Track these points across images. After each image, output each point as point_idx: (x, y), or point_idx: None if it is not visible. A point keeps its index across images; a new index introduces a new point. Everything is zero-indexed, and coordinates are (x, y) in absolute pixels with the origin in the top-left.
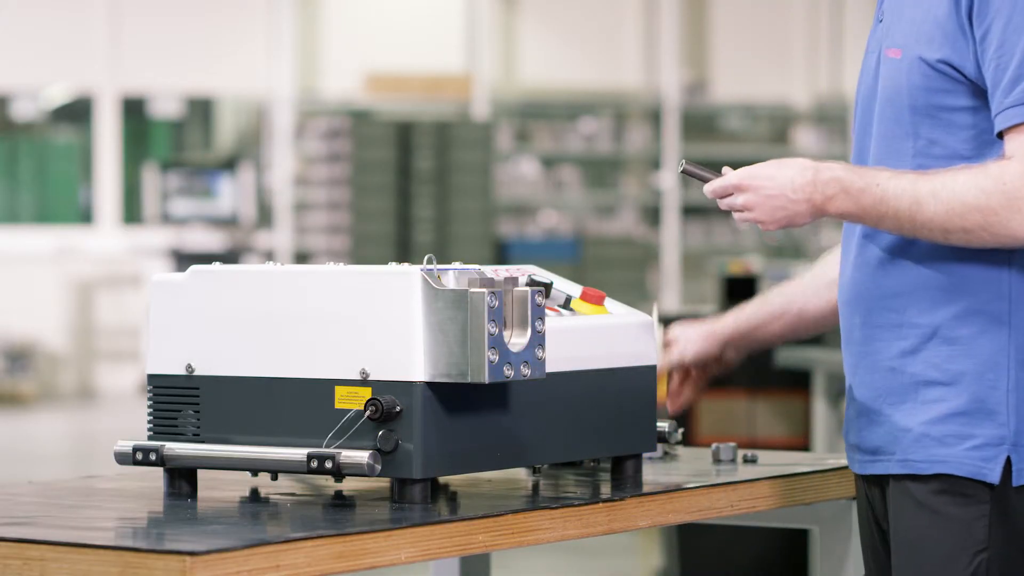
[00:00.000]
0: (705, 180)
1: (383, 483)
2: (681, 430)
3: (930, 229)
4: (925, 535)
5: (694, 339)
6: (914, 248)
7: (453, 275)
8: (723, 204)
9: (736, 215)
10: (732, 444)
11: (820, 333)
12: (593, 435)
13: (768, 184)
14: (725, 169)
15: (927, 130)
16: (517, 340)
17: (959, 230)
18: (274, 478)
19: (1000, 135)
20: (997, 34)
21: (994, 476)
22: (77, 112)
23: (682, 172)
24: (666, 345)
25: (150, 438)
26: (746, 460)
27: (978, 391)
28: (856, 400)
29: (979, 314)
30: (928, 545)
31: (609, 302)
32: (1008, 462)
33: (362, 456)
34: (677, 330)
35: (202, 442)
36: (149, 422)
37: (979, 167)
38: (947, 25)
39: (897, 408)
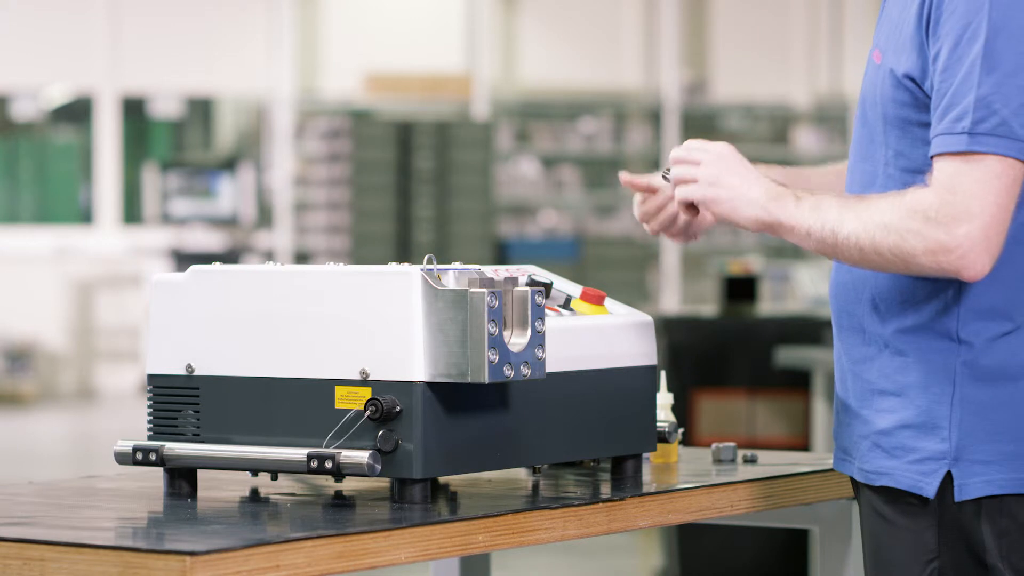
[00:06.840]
0: None
1: (383, 483)
2: (681, 430)
3: (847, 250)
4: (881, 542)
5: None
6: None
7: (453, 275)
8: None
9: None
10: (732, 444)
11: None
12: (593, 435)
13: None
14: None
15: (895, 141)
16: (517, 340)
17: (872, 253)
18: (274, 478)
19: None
20: (943, 58)
21: (930, 491)
22: (77, 112)
23: (663, 177)
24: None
25: (150, 438)
26: (746, 460)
27: (923, 404)
28: (837, 396)
29: (927, 329)
30: (884, 552)
31: (609, 302)
32: (949, 477)
33: (362, 456)
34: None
35: (202, 442)
36: (149, 422)
37: (898, 194)
38: (913, 41)
39: (859, 412)
